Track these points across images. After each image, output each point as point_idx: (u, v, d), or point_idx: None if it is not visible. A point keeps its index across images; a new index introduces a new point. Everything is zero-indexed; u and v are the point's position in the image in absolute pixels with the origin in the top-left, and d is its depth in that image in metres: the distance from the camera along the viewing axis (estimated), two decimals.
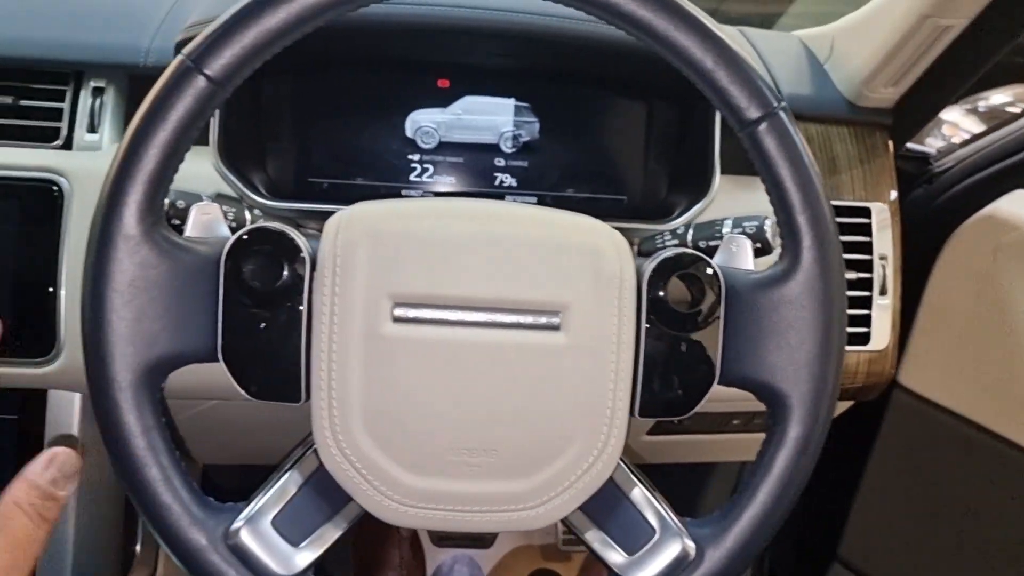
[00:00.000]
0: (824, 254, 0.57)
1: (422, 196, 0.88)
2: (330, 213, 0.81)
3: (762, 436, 0.59)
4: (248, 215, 0.69)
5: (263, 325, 0.55)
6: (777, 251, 0.60)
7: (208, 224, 0.61)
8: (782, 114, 0.56)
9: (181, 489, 0.53)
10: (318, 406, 0.55)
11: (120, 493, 0.85)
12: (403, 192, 0.89)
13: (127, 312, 0.52)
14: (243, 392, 0.56)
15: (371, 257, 0.55)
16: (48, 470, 0.55)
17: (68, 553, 0.76)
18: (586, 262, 0.56)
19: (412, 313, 0.55)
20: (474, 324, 0.55)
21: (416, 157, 0.89)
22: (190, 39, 0.74)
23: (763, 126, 0.55)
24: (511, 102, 0.89)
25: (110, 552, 0.82)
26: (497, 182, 0.90)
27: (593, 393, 0.56)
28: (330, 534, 0.57)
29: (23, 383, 0.75)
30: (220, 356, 0.55)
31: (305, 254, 0.55)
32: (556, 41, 0.85)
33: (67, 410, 0.77)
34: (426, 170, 0.89)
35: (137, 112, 0.53)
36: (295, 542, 0.56)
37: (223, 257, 0.55)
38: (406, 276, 0.55)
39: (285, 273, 0.55)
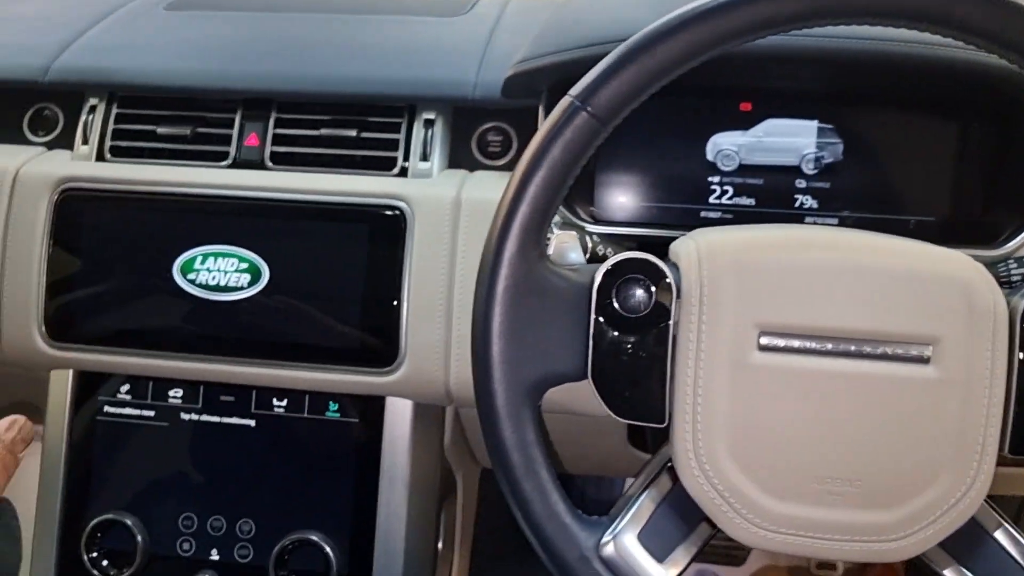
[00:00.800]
0: None
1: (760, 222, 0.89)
2: (646, 238, 0.85)
3: None
4: (589, 242, 0.72)
5: (630, 349, 0.58)
6: None
7: (563, 251, 0.65)
8: None
9: (557, 503, 0.57)
10: (681, 428, 0.57)
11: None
12: (702, 214, 0.90)
13: (511, 334, 0.57)
14: (609, 411, 0.59)
15: (738, 287, 0.56)
16: (10, 431, 0.64)
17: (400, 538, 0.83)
18: (959, 295, 0.55)
19: (779, 342, 0.56)
20: (841, 354, 0.56)
21: (716, 179, 0.90)
22: (521, 74, 0.80)
23: None
24: (814, 124, 0.89)
25: (424, 547, 0.89)
26: (797, 204, 0.90)
27: (964, 428, 0.55)
28: (687, 552, 0.59)
29: (366, 390, 0.83)
30: (590, 377, 0.58)
31: (671, 281, 0.58)
32: (864, 64, 0.84)
33: (402, 416, 0.83)
34: (725, 192, 0.90)
35: (528, 147, 0.57)
36: (659, 558, 0.59)
37: (595, 285, 0.58)
38: (773, 306, 0.56)
39: (652, 300, 0.58)
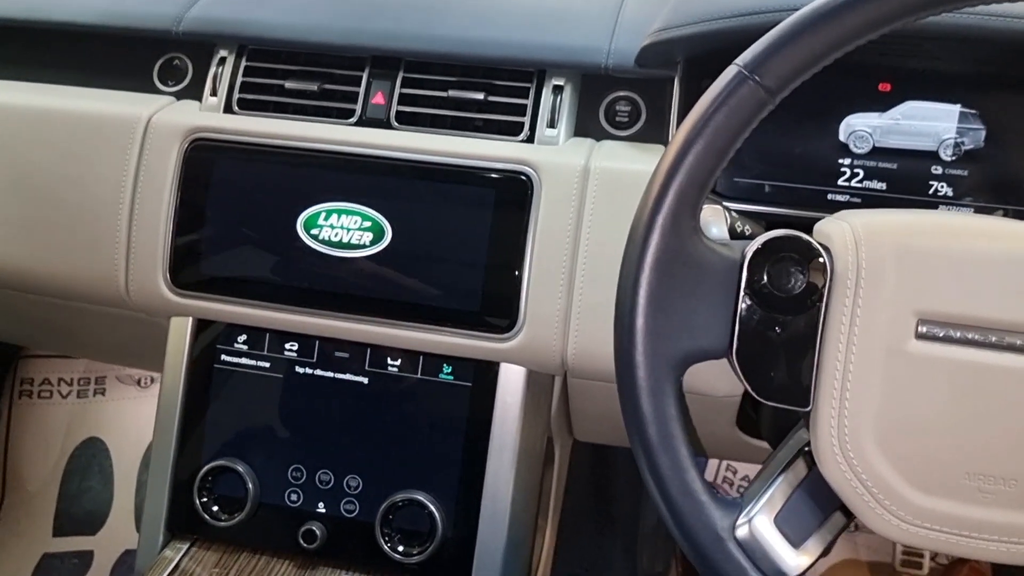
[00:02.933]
0: None
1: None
2: (773, 216, 0.83)
3: None
4: (728, 217, 0.71)
5: (777, 330, 0.57)
6: None
7: (706, 225, 0.64)
8: None
9: (694, 480, 0.56)
10: (826, 414, 0.56)
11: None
12: (829, 196, 0.88)
13: (659, 305, 0.56)
14: (752, 392, 0.58)
15: (899, 272, 0.54)
16: None
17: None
18: None
19: (938, 331, 0.54)
20: (1004, 348, 0.53)
21: (847, 161, 0.87)
22: (658, 43, 0.78)
23: None
24: (956, 108, 0.85)
25: (527, 515, 0.88)
26: (932, 190, 0.86)
27: None
28: (822, 540, 0.58)
29: (481, 355, 0.83)
30: (732, 356, 0.57)
31: (825, 261, 0.56)
32: (1014, 45, 0.80)
33: (515, 383, 0.83)
34: (856, 175, 0.87)
35: (689, 115, 0.55)
36: (794, 544, 0.57)
37: (745, 262, 0.56)
38: (934, 293, 0.54)
39: (803, 280, 0.56)
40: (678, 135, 0.56)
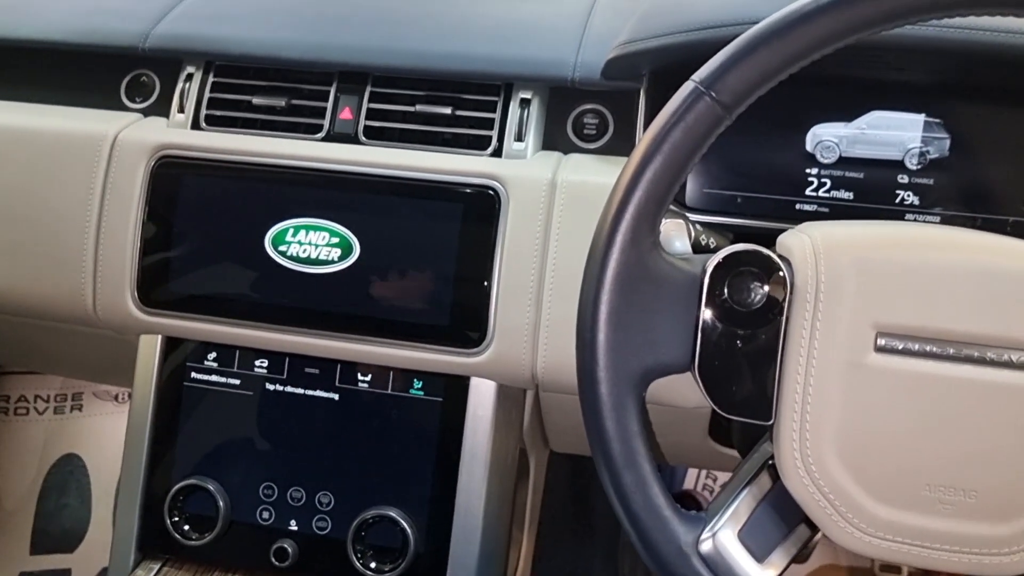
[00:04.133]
0: None
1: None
2: (739, 228, 0.83)
3: None
4: (691, 231, 0.71)
5: (739, 344, 0.57)
6: None
7: (669, 239, 0.64)
8: None
9: (657, 496, 0.56)
10: (788, 427, 0.56)
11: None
12: (797, 206, 0.88)
13: (620, 321, 0.56)
14: (714, 406, 0.58)
15: (858, 285, 0.55)
16: None
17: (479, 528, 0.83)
18: None
19: (897, 344, 0.54)
20: (963, 360, 0.54)
21: (814, 171, 0.87)
22: (623, 56, 0.78)
23: None
24: (921, 118, 0.86)
25: (500, 528, 0.88)
26: (898, 199, 0.87)
27: None
28: (787, 553, 0.58)
29: (452, 370, 0.82)
30: (695, 371, 0.57)
31: (785, 275, 0.56)
32: (978, 55, 0.81)
33: (486, 397, 0.83)
34: (823, 184, 0.88)
35: (647, 132, 0.56)
36: (758, 558, 0.57)
37: (706, 276, 0.57)
38: (893, 306, 0.54)
39: (763, 294, 0.57)
40: (636, 152, 0.56)
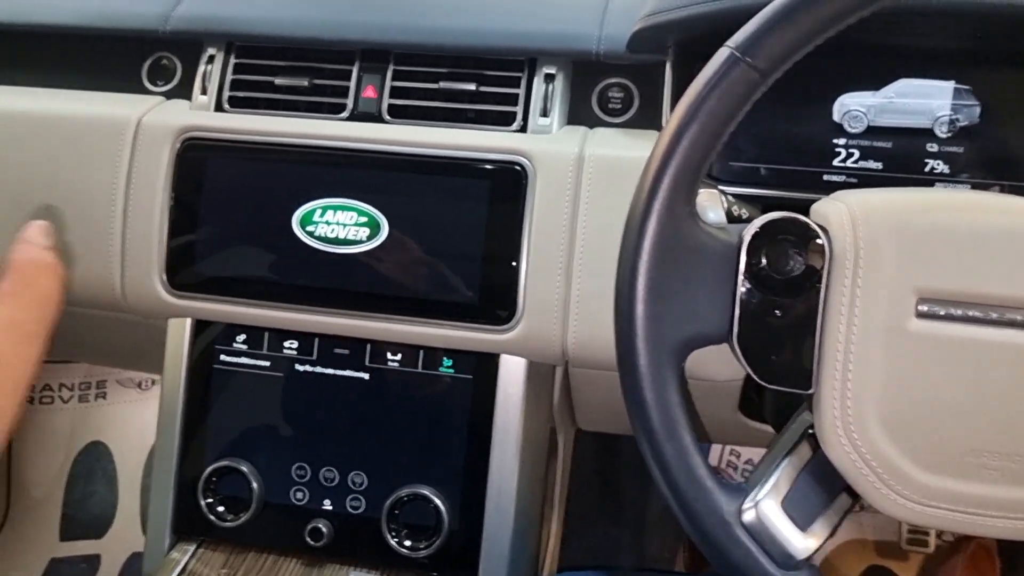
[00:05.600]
0: None
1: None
2: (768, 199, 0.83)
3: None
4: (724, 201, 0.70)
5: (777, 313, 0.56)
6: None
7: (703, 209, 0.63)
8: None
9: (699, 466, 0.56)
10: (828, 396, 0.55)
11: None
12: (825, 177, 0.87)
13: (658, 292, 0.55)
14: (754, 376, 0.58)
15: (898, 251, 0.54)
16: (47, 237, 0.69)
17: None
18: None
19: (939, 310, 0.54)
20: (1005, 324, 0.53)
21: (842, 141, 0.87)
22: (649, 28, 0.77)
23: None
24: (950, 85, 0.85)
25: (533, 506, 0.88)
26: (928, 168, 0.86)
27: None
28: (829, 522, 0.58)
29: (481, 347, 0.82)
30: (733, 340, 0.57)
31: (824, 243, 0.56)
32: (1006, 20, 0.80)
33: (516, 374, 0.83)
34: (851, 155, 0.87)
35: (682, 100, 0.55)
36: (802, 526, 0.57)
37: (744, 245, 0.56)
38: (934, 271, 0.54)
39: (801, 262, 0.56)
40: (671, 121, 0.55)
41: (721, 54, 0.55)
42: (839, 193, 0.61)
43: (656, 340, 0.56)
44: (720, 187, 0.82)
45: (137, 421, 1.68)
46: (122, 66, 0.95)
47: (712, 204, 0.63)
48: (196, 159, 0.85)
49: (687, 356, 0.57)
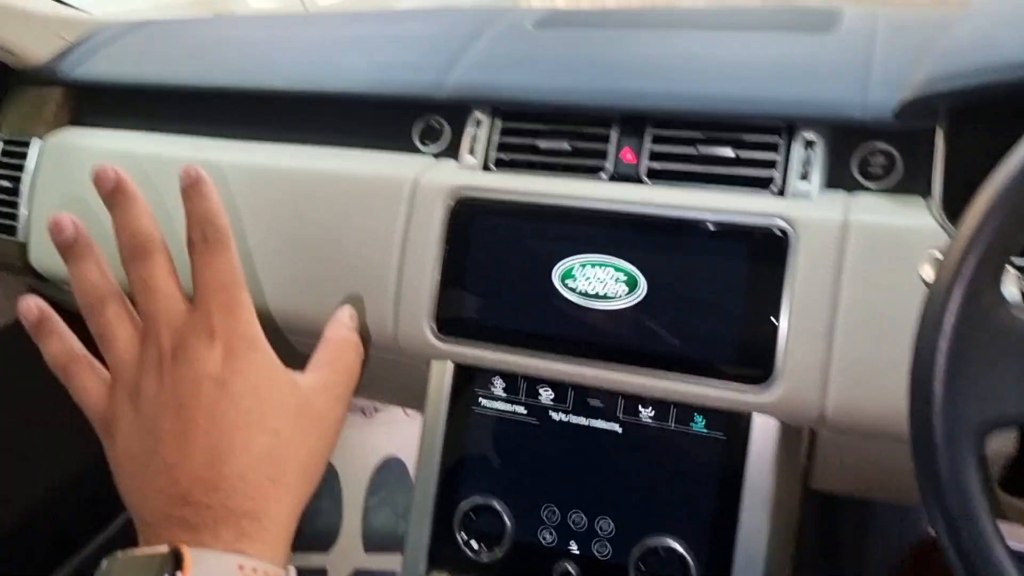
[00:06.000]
0: None
1: None
2: None
3: None
4: (1019, 279, 0.69)
5: None
6: None
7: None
8: None
9: (1002, 561, 0.55)
10: None
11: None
12: None
13: (956, 372, 0.55)
14: None
15: None
16: (353, 320, 0.83)
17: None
18: None
19: None
20: None
21: None
22: (924, 98, 0.77)
23: None
24: None
25: (780, 567, 0.88)
26: None
27: None
28: None
29: (735, 406, 0.84)
30: None
31: None
32: None
33: (769, 434, 0.84)
34: None
35: (993, 178, 0.55)
36: None
37: None
38: None
39: None
40: (981, 198, 0.55)
41: None
42: None
43: (953, 419, 0.56)
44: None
45: (361, 445, 1.81)
46: (395, 129, 1.05)
47: (1009, 282, 0.63)
48: (467, 215, 0.92)
49: (985, 437, 0.56)
